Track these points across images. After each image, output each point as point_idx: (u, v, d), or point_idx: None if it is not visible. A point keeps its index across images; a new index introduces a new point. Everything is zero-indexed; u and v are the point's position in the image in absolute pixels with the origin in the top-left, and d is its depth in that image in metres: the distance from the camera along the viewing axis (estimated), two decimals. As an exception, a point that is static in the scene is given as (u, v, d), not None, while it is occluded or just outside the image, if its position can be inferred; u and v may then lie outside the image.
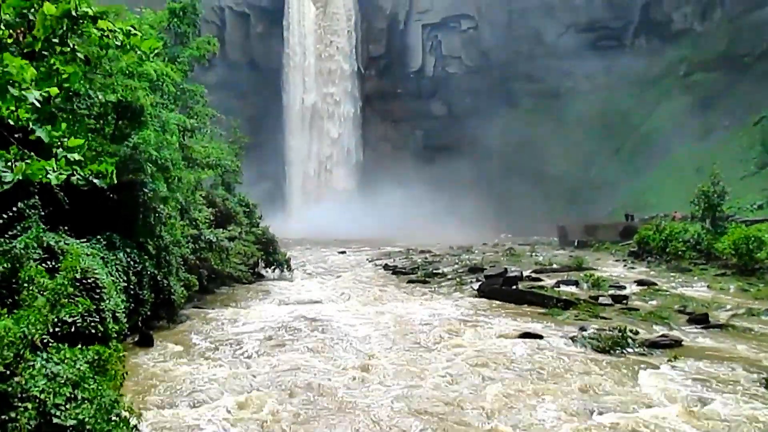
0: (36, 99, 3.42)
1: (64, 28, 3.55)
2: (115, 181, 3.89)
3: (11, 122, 3.48)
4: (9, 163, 3.57)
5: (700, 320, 18.90)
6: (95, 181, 3.82)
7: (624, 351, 15.43)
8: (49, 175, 3.63)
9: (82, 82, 3.84)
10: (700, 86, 67.95)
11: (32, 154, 3.66)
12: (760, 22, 66.10)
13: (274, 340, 16.86)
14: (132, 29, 3.79)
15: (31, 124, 3.58)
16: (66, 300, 10.13)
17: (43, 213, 12.83)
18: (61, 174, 3.67)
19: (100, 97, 16.30)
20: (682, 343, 16.20)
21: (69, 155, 3.71)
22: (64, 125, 3.75)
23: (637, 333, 16.73)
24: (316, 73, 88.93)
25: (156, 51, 3.98)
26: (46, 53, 3.57)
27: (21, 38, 3.49)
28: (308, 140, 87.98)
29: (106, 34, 3.66)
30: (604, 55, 78.26)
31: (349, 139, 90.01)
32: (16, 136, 3.71)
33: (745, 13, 68.79)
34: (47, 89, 3.56)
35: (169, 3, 31.65)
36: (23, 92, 3.39)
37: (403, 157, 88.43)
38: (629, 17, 78.87)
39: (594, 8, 79.85)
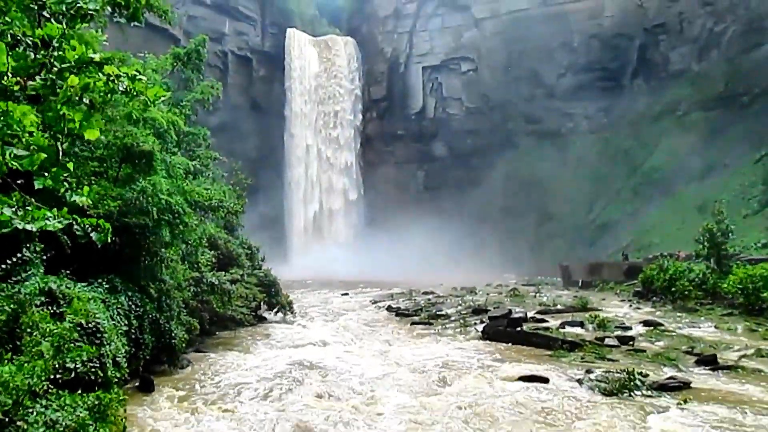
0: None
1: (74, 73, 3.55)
2: (109, 240, 3.85)
3: (14, 167, 3.45)
4: (14, 209, 3.54)
5: (709, 361, 18.62)
6: (92, 235, 3.77)
7: (632, 394, 15.16)
8: (49, 223, 3.59)
9: (85, 125, 3.88)
10: (700, 125, 68.34)
11: (32, 200, 3.62)
12: (758, 62, 66.82)
13: (275, 386, 16.59)
14: (137, 73, 3.79)
15: (33, 170, 3.55)
16: (70, 345, 10.01)
17: (45, 256, 12.76)
18: (60, 222, 3.63)
19: (102, 139, 16.36)
20: (691, 385, 15.91)
21: (78, 198, 3.67)
22: (71, 165, 3.73)
23: (645, 375, 16.44)
24: (318, 116, 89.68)
25: (162, 99, 3.97)
26: (52, 98, 3.56)
27: (25, 83, 3.47)
28: (310, 182, 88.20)
29: (111, 79, 3.65)
30: (603, 96, 79.08)
31: (350, 181, 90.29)
32: (19, 181, 3.68)
33: (742, 53, 69.59)
34: (55, 132, 3.55)
35: (173, 48, 32.12)
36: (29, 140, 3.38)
37: (405, 199, 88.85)
38: (627, 58, 79.65)
39: (591, 49, 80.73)
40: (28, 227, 3.51)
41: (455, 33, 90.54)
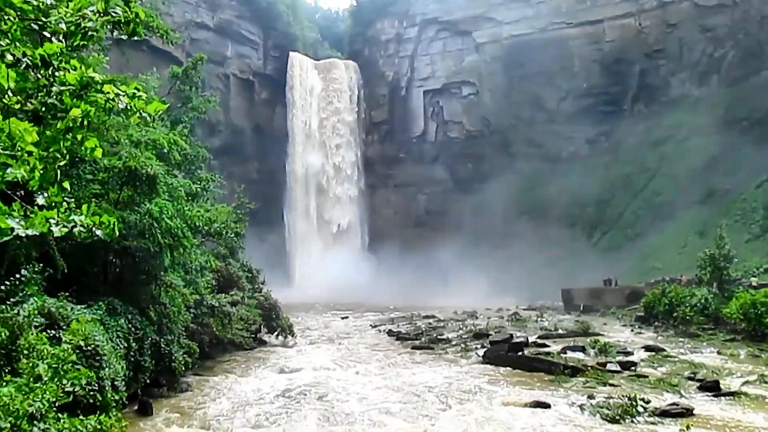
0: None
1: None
2: (117, 233, 3.82)
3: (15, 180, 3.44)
4: (17, 221, 3.52)
5: (711, 387, 18.45)
6: (98, 232, 3.74)
7: (634, 420, 15.02)
8: (51, 227, 3.57)
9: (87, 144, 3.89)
10: (701, 150, 68.29)
11: (35, 209, 3.61)
12: (757, 87, 66.93)
13: (274, 412, 16.44)
14: (136, 91, 3.79)
15: (33, 189, 3.54)
16: (68, 368, 9.91)
17: (43, 278, 12.71)
18: (64, 227, 3.61)
19: (105, 162, 16.37)
20: (694, 411, 15.75)
21: (76, 218, 3.66)
22: (67, 182, 3.71)
23: (648, 401, 16.28)
24: (320, 138, 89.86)
25: (160, 113, 3.96)
26: (52, 121, 3.56)
27: (25, 102, 3.47)
28: (311, 205, 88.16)
29: (111, 98, 3.65)
30: (603, 120, 79.24)
31: (351, 204, 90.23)
32: (19, 193, 3.66)
33: (742, 78, 69.78)
34: (53, 152, 3.54)
35: (172, 68, 32.52)
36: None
37: (406, 222, 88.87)
38: (627, 83, 79.91)
39: (592, 74, 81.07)
40: (29, 232, 3.48)
41: (456, 57, 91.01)
